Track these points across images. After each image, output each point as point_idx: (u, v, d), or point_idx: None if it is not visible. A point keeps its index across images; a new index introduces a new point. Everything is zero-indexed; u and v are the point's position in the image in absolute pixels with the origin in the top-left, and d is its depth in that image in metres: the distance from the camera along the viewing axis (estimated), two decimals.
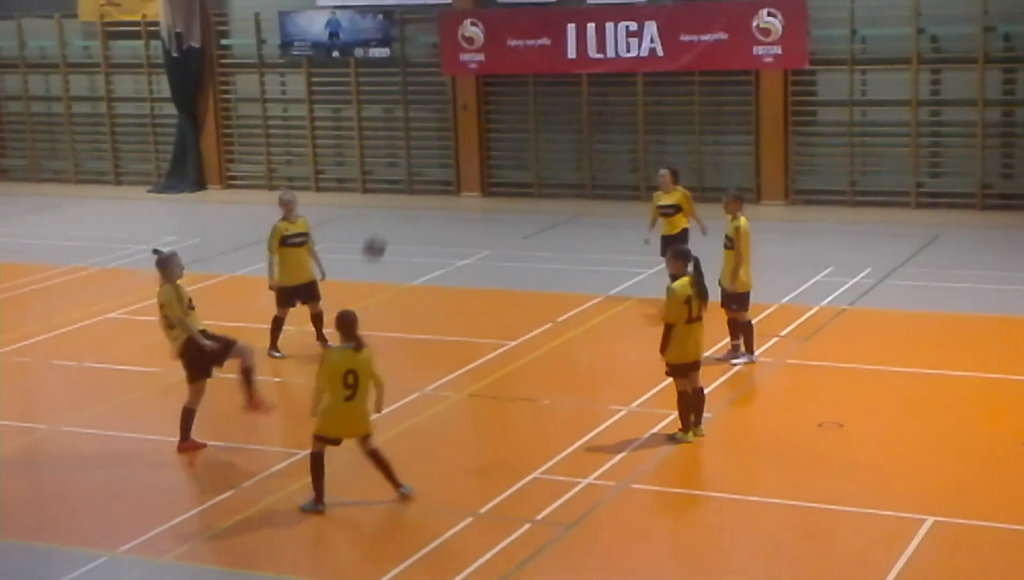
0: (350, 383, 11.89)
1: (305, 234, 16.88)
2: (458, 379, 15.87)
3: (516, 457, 13.39)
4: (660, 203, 18.57)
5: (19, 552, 11.69)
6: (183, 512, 12.34)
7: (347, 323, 12.04)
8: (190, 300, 13.84)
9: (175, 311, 13.65)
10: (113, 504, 12.80)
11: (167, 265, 13.89)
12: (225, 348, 13.77)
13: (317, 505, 12.18)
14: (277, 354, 16.84)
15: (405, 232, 24.95)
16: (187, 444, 13.83)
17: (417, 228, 25.33)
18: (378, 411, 12.28)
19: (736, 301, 15.92)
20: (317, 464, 12.17)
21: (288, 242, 16.75)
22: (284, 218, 16.81)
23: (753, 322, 16.22)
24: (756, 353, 16.06)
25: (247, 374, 13.76)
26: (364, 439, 12.25)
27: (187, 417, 13.85)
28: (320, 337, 17.04)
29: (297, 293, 16.89)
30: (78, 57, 31.82)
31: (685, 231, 18.32)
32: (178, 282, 13.84)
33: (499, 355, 16.80)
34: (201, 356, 13.71)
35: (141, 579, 11.25)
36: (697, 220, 18.45)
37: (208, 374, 13.88)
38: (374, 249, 15.42)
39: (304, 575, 11.07)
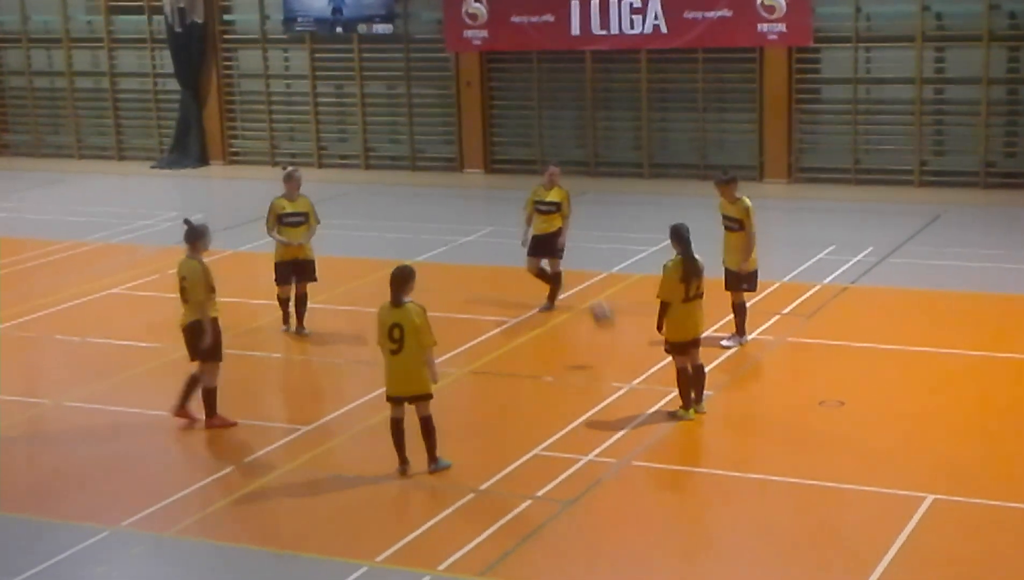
0: (396, 337, 12.07)
1: (304, 214, 16.70)
2: (460, 355, 15.88)
3: (517, 434, 13.42)
4: (539, 199, 17.39)
5: (21, 526, 11.73)
6: (185, 487, 12.37)
7: (393, 280, 12.31)
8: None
9: (200, 294, 13.54)
10: (115, 479, 12.84)
11: (200, 237, 13.80)
12: (213, 354, 13.69)
13: (402, 466, 12.39)
14: (286, 328, 16.81)
15: (408, 209, 24.97)
16: (215, 420, 13.77)
17: (420, 205, 25.33)
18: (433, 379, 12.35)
19: (748, 281, 15.78)
20: (393, 429, 12.38)
21: (285, 221, 16.57)
22: (284, 195, 16.69)
23: (747, 305, 16.08)
24: (748, 335, 15.96)
25: (192, 385, 13.77)
26: (421, 401, 12.29)
27: (204, 396, 13.77)
28: (299, 322, 16.84)
29: (292, 270, 16.68)
30: (81, 32, 31.76)
31: (560, 230, 17.38)
32: (203, 259, 13.73)
33: (501, 332, 16.82)
34: (200, 344, 13.66)
35: (143, 554, 11.29)
36: (565, 225, 17.43)
37: (217, 358, 13.79)
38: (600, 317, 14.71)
39: (305, 550, 11.10)
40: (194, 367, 13.84)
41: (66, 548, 11.18)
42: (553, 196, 17.46)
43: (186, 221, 13.96)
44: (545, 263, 17.52)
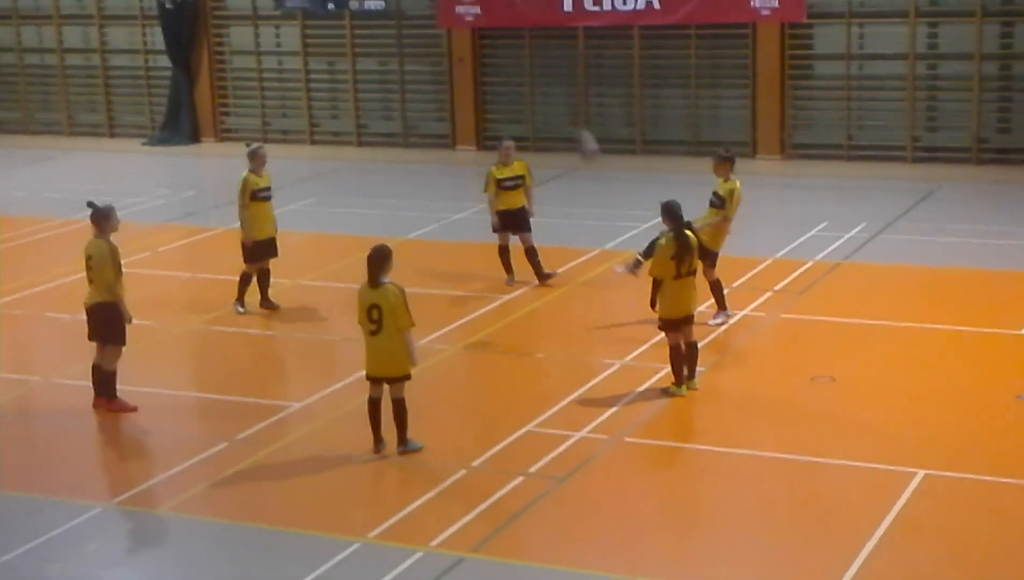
0: (375, 318, 12.06)
1: (270, 188, 16.68)
2: (453, 332, 15.87)
3: (510, 410, 13.41)
4: (503, 176, 17.43)
5: (12, 504, 11.71)
6: (177, 464, 12.35)
7: (369, 261, 12.19)
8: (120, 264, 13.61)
9: (108, 274, 13.41)
10: (107, 456, 12.83)
11: (106, 219, 13.64)
12: (119, 337, 13.59)
13: (377, 445, 12.36)
14: (242, 310, 16.63)
15: (400, 186, 24.93)
16: (115, 404, 13.65)
17: (412, 182, 25.28)
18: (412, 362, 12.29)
19: (709, 258, 15.66)
20: (370, 408, 12.37)
21: (257, 196, 16.50)
22: (252, 171, 16.52)
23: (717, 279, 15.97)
24: (728, 311, 15.92)
25: (97, 371, 13.66)
26: (396, 382, 12.26)
27: (104, 378, 13.64)
28: (265, 297, 16.78)
29: (265, 248, 16.64)
30: (71, 8, 31.62)
31: (524, 207, 17.55)
32: (111, 239, 13.60)
33: (494, 309, 16.80)
34: (116, 324, 13.54)
35: (135, 531, 11.29)
36: (529, 198, 17.64)
37: (122, 341, 13.67)
38: (584, 150, 14.15)
39: (298, 527, 11.10)
40: (96, 355, 13.68)
41: (57, 525, 11.16)
42: (516, 170, 17.53)
43: (89, 204, 13.80)
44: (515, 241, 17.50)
